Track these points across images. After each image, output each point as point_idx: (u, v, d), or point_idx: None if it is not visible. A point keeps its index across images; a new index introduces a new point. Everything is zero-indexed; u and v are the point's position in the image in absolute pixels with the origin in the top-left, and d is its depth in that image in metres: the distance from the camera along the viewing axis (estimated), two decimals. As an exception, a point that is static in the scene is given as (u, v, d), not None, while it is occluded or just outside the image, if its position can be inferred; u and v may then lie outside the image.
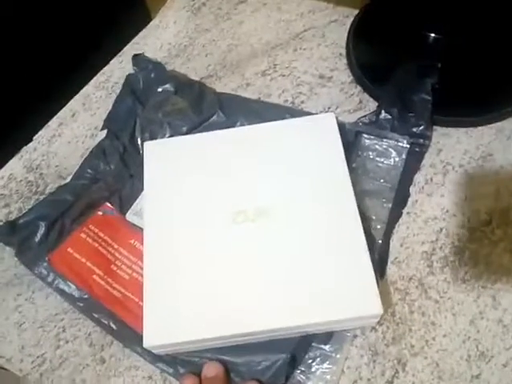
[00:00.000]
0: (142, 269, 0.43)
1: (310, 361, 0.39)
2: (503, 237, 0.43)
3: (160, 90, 0.51)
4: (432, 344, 0.40)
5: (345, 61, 0.55)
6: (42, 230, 0.44)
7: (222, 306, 0.38)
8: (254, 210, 0.41)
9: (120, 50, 0.59)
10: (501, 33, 0.51)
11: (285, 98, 0.53)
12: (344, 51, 0.56)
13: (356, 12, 0.58)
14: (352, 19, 0.57)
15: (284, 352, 0.39)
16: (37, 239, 0.43)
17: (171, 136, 0.49)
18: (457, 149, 0.48)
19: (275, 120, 0.47)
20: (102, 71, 0.57)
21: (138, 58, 0.53)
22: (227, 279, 0.39)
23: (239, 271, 0.39)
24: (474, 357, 0.39)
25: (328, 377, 0.39)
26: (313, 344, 0.40)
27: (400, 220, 0.45)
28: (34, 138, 0.53)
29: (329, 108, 0.52)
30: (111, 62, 0.58)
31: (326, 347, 0.40)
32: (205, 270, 0.39)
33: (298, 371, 0.39)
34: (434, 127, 0.49)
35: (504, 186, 0.46)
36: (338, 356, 0.39)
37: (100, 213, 0.46)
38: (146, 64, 0.52)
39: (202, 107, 0.50)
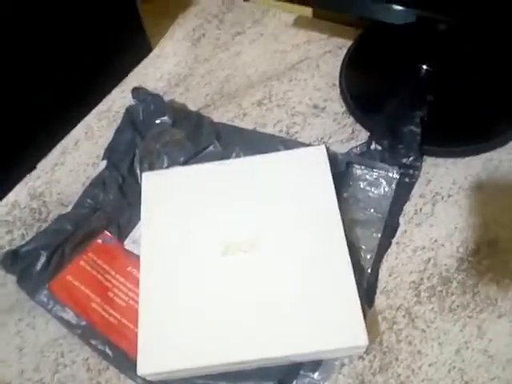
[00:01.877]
0: (137, 296, 0.44)
1: (298, 388, 0.40)
2: (490, 267, 0.44)
3: (158, 121, 0.53)
4: (418, 373, 0.41)
5: (338, 91, 0.57)
6: (42, 259, 0.45)
7: (214, 335, 0.39)
8: (246, 241, 0.43)
9: (121, 80, 0.61)
10: (490, 68, 0.53)
11: (280, 127, 0.55)
12: (337, 81, 0.57)
13: (350, 43, 0.60)
14: (346, 50, 0.59)
15: (272, 379, 0.40)
16: (38, 268, 0.45)
17: (169, 166, 0.51)
18: (446, 179, 0.50)
19: (270, 150, 0.49)
20: (103, 101, 0.60)
21: (137, 92, 0.55)
22: (219, 309, 0.40)
23: (230, 301, 0.40)
24: (458, 387, 0.40)
25: (316, 405, 0.40)
26: (301, 372, 0.41)
27: (389, 250, 0.46)
28: (38, 165, 0.55)
29: (322, 138, 0.54)
30: (112, 91, 0.60)
31: (315, 375, 0.41)
32: (198, 300, 0.41)
33: (287, 399, 0.40)
34: (424, 157, 0.50)
35: (492, 217, 0.47)
36: (325, 384, 0.41)
37: (99, 241, 0.48)
38: (145, 96, 0.54)
39: (199, 138, 0.52)
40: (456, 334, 0.42)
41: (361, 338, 0.38)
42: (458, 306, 0.43)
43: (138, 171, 0.50)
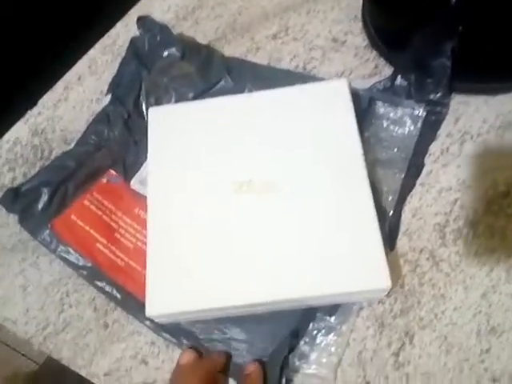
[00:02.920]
0: (145, 237, 0.42)
1: (314, 332, 0.39)
2: (520, 210, 0.41)
3: (166, 54, 0.49)
4: (441, 317, 0.39)
5: (360, 24, 0.52)
6: (44, 197, 0.43)
7: (225, 277, 0.37)
8: (260, 179, 0.40)
9: (126, 12, 0.57)
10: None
11: (296, 63, 0.51)
12: (359, 14, 0.53)
13: (373, -29, 0.55)
14: (369, -21, 0.54)
15: (287, 326, 0.38)
16: (39, 206, 0.43)
17: (177, 102, 0.48)
18: (475, 118, 0.46)
19: (285, 86, 0.46)
20: (107, 34, 0.56)
21: (143, 21, 0.51)
22: (231, 249, 0.38)
23: (243, 242, 0.38)
24: (484, 331, 0.38)
25: (332, 348, 0.38)
26: (317, 315, 0.39)
27: (413, 191, 0.43)
28: (40, 101, 0.52)
29: (342, 73, 0.50)
30: (117, 24, 0.56)
31: (331, 319, 0.39)
32: (208, 240, 0.38)
33: (303, 343, 0.38)
34: (452, 94, 0.47)
35: (524, 158, 0.44)
36: (343, 328, 0.39)
37: (104, 180, 0.45)
38: (151, 26, 0.50)
39: (210, 73, 0.49)
40: (482, 278, 0.39)
41: (383, 280, 0.35)
42: (485, 250, 0.40)
43: (144, 107, 0.47)
